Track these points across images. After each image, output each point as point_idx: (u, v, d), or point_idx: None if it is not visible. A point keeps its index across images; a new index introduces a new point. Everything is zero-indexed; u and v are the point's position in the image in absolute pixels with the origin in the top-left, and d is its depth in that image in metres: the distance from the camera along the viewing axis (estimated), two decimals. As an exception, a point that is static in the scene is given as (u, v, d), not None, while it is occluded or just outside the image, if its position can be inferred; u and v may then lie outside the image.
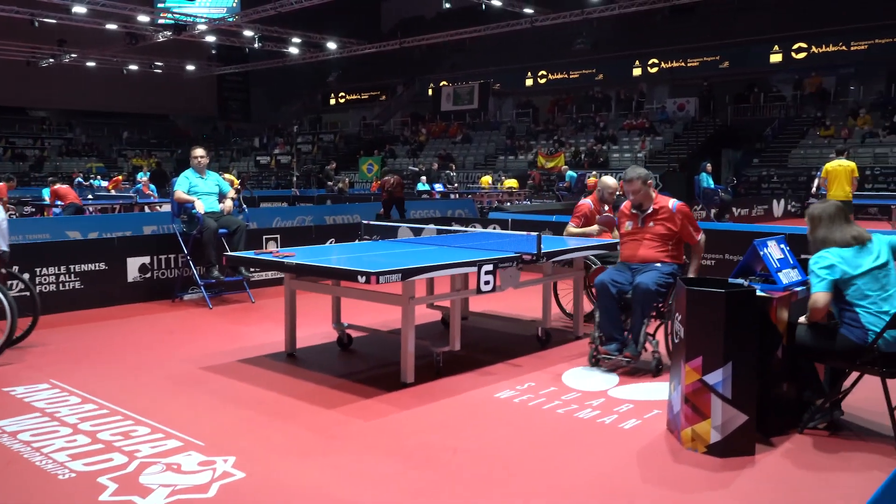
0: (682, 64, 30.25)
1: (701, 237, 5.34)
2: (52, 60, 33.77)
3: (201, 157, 7.87)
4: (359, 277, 4.47)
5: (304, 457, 3.70)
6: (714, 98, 28.63)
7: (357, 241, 6.90)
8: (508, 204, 19.92)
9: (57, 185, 14.47)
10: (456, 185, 24.10)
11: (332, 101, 42.21)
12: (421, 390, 4.75)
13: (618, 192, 6.53)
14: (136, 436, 3.94)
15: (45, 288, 7.15)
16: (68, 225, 11.02)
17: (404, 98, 39.47)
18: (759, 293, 3.81)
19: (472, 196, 20.10)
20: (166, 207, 15.11)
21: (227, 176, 22.44)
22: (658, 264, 5.21)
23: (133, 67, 36.13)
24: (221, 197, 7.94)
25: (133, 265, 7.75)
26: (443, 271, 4.85)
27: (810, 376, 3.98)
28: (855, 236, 3.83)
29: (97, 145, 40.97)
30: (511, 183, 23.14)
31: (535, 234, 5.41)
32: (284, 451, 3.77)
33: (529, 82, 34.51)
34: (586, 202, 6.75)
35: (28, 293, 5.89)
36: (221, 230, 7.73)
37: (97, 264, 7.52)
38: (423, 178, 22.86)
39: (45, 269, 7.17)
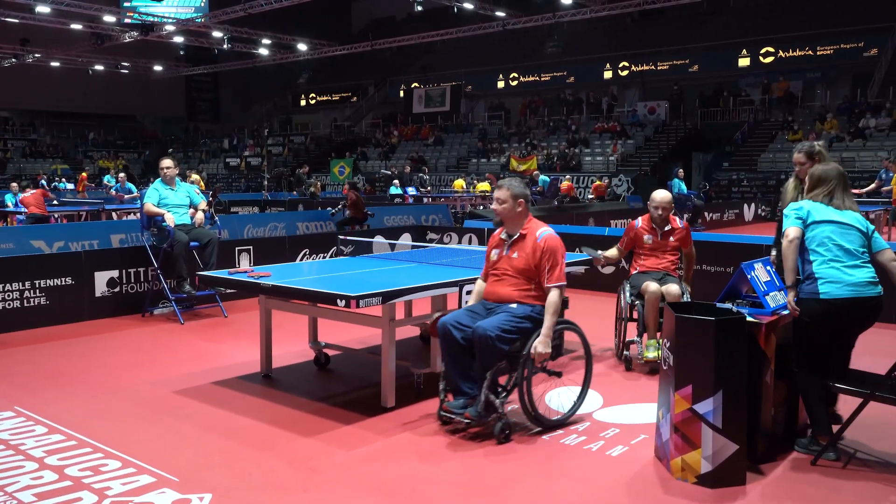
0: (653, 67, 30.48)
1: (554, 289, 4.23)
2: (14, 60, 33.02)
3: (168, 168, 7.66)
4: (338, 301, 4.34)
5: (284, 493, 3.56)
6: (684, 101, 28.91)
7: (332, 258, 6.76)
8: (482, 208, 19.88)
9: (27, 193, 14.00)
10: (429, 188, 24.02)
11: (303, 103, 41.84)
12: (402, 414, 4.63)
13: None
14: (107, 470, 3.77)
15: (9, 305, 6.91)
16: (33, 234, 10.70)
17: (375, 99, 39.26)
18: (748, 319, 3.76)
19: (446, 200, 20.02)
20: (132, 216, 14.83)
21: (193, 177, 22.14)
22: (513, 305, 4.29)
23: (99, 68, 35.50)
24: (193, 208, 7.75)
25: (101, 279, 7.52)
26: (425, 293, 4.74)
27: (816, 406, 3.93)
28: (845, 205, 4.01)
29: (62, 146, 40.16)
30: (484, 186, 23.08)
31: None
32: (263, 486, 3.62)
33: (501, 84, 34.52)
34: (635, 221, 5.96)
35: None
36: (193, 243, 7.54)
37: (63, 279, 7.28)
38: (396, 181, 22.74)
39: (8, 284, 6.92)
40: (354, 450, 4.08)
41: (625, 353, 5.66)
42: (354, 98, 39.87)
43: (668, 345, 3.76)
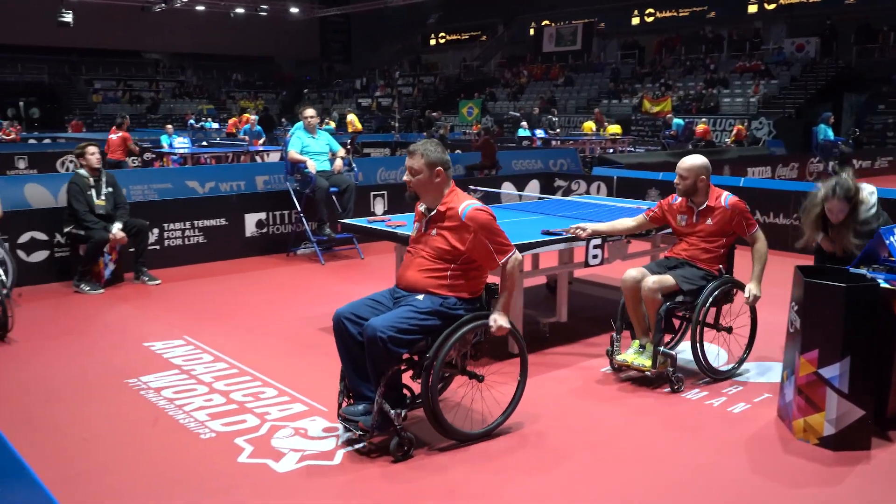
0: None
1: (508, 259, 3.64)
2: (164, 5, 34.95)
3: (311, 116, 8.12)
4: (470, 252, 4.59)
5: (417, 428, 3.91)
6: (837, 38, 26.78)
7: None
8: (612, 151, 19.54)
9: (114, 135, 13.80)
10: (558, 130, 23.75)
11: (432, 42, 41.99)
12: (528, 361, 4.87)
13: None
14: (265, 397, 4.26)
15: (172, 242, 7.66)
16: (188, 175, 11.61)
17: (504, 38, 38.81)
18: (882, 285, 3.70)
19: (574, 144, 19.80)
20: (273, 157, 15.70)
21: (350, 118, 23.04)
22: (419, 297, 3.61)
23: (239, 11, 36.98)
24: (332, 155, 8.21)
25: (251, 220, 8.18)
26: (553, 246, 4.92)
27: None
28: None
29: (207, 87, 42.45)
30: (615, 129, 22.59)
31: (645, 207, 5.37)
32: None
33: (636, 21, 33.20)
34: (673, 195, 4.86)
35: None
36: (332, 188, 8.01)
37: (218, 220, 7.97)
38: (524, 123, 22.65)
39: (171, 223, 7.67)
40: (485, 391, 4.38)
41: (608, 348, 4.66)
42: (483, 37, 39.59)
43: (795, 308, 3.77)
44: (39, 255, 6.93)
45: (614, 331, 4.65)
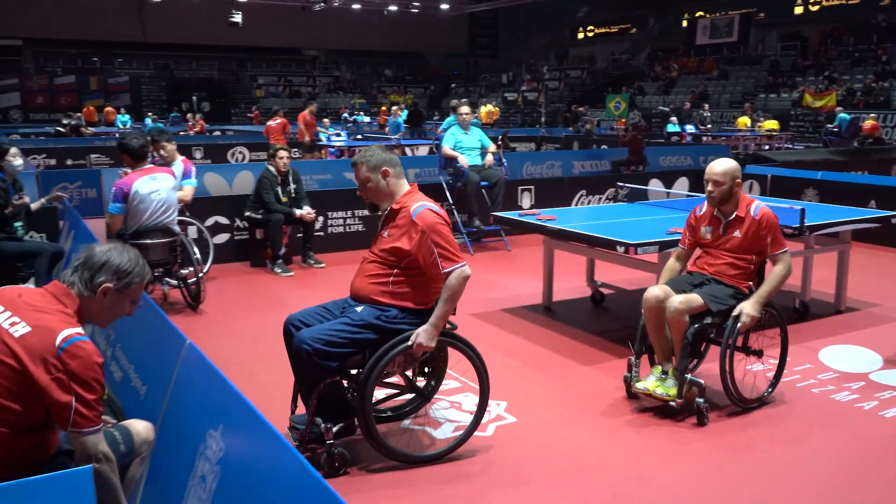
0: None
1: (454, 270, 3.38)
2: (323, 4, 36.81)
3: (466, 113, 8.50)
4: (618, 247, 4.79)
5: (565, 411, 4.17)
6: None
7: (609, 200, 7.15)
8: (767, 148, 18.77)
9: (274, 122, 15.09)
10: (709, 126, 23.03)
11: (580, 36, 41.63)
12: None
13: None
14: (458, 371, 4.66)
15: (336, 230, 8.31)
16: (345, 167, 12.38)
17: (655, 31, 37.86)
18: None
19: (727, 140, 19.17)
20: (422, 150, 16.34)
21: (488, 108, 23.58)
22: (358, 308, 3.43)
23: (392, 8, 38.30)
24: (483, 151, 8.56)
25: (405, 212, 8.68)
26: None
27: None
28: None
29: (360, 82, 44.30)
30: (771, 124, 21.62)
31: (798, 207, 5.33)
32: (547, 403, 4.27)
33: (799, 10, 31.42)
34: (698, 206, 4.40)
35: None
36: (483, 182, 8.37)
37: (376, 210, 8.52)
38: (674, 118, 22.14)
39: (334, 212, 8.30)
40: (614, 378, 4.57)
41: (625, 374, 4.22)
42: (634, 30, 38.81)
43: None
44: (222, 238, 7.75)
45: (632, 354, 4.20)
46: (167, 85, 38.86)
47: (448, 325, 3.57)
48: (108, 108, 27.32)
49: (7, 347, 2.19)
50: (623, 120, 23.66)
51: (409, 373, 3.63)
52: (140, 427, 2.53)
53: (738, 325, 3.93)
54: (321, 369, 3.25)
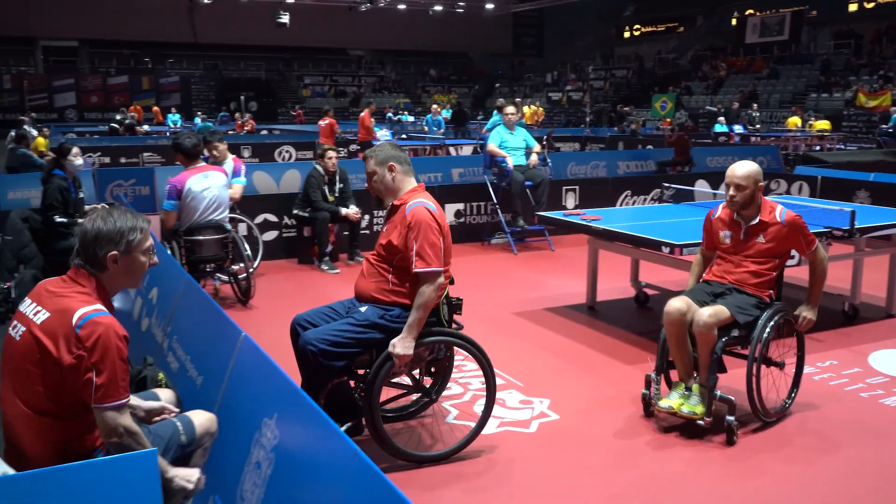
0: None
1: (422, 276, 3.34)
2: (369, 5, 37.13)
3: (512, 113, 8.54)
4: (663, 248, 4.80)
5: (608, 410, 4.19)
6: None
7: (654, 201, 7.12)
8: (818, 149, 18.39)
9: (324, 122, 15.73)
10: (758, 126, 22.65)
11: (626, 35, 41.26)
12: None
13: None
14: (466, 370, 4.73)
15: (379, 228, 8.40)
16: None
17: (703, 29, 37.33)
18: None
19: (776, 140, 18.83)
20: (466, 150, 16.39)
21: (532, 108, 23.62)
22: (363, 308, 3.45)
23: (437, 8, 38.45)
24: (528, 151, 8.59)
25: (450, 210, 8.76)
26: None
27: None
28: None
29: (404, 82, 44.56)
30: (822, 125, 21.18)
31: (848, 209, 5.26)
32: (590, 401, 4.30)
33: (853, 7, 30.70)
34: (713, 209, 4.23)
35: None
36: (527, 182, 8.40)
37: (421, 209, 8.62)
38: (721, 118, 21.82)
39: (380, 211, 8.41)
40: (671, 381, 4.58)
41: (643, 391, 4.03)
42: (681, 28, 38.31)
43: None
44: (270, 235, 7.93)
45: (653, 370, 3.98)
46: (216, 85, 39.63)
47: (455, 325, 3.62)
48: (155, 108, 27.86)
49: (32, 336, 2.26)
50: (668, 119, 23.39)
51: (415, 372, 3.66)
52: (203, 418, 2.62)
53: (804, 324, 3.93)
54: (327, 369, 3.27)
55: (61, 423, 2.31)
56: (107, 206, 2.46)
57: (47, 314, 2.27)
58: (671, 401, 3.82)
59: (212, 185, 5.77)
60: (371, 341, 3.35)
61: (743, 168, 3.88)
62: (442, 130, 19.52)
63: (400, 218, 3.42)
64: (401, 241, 3.37)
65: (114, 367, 2.23)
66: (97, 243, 2.36)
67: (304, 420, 2.37)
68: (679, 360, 3.90)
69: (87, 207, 6.33)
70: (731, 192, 3.88)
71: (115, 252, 2.36)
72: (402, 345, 3.29)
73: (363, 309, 3.42)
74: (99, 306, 2.29)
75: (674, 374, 4.02)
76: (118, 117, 21.62)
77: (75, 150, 6.04)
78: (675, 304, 3.80)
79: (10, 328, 2.37)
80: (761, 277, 3.90)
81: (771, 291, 3.95)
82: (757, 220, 3.90)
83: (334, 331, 3.30)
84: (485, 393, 3.69)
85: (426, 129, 20.30)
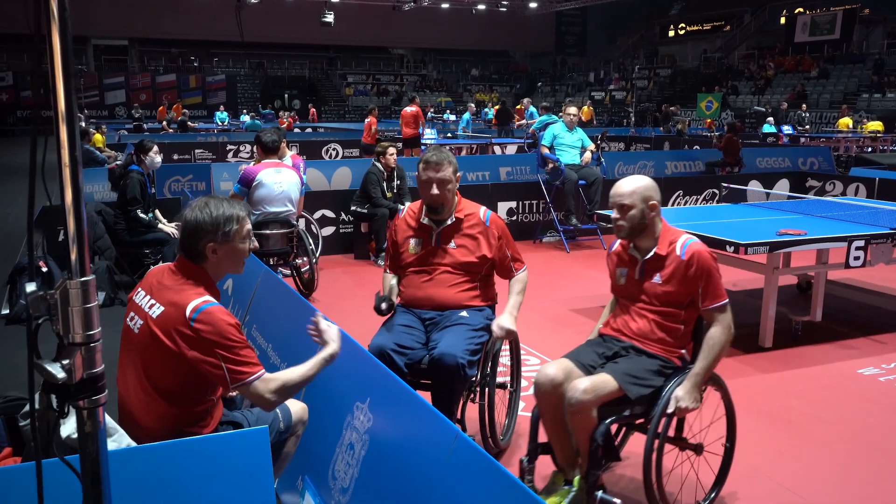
0: None
1: (522, 272, 3.55)
2: (413, 4, 37.35)
3: (573, 114, 8.60)
4: (727, 247, 4.82)
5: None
6: None
7: (706, 201, 7.11)
8: (871, 150, 18.05)
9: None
10: (807, 126, 22.30)
11: (671, 33, 40.85)
12: (778, 356, 4.99)
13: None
14: (529, 365, 4.82)
15: (434, 225, 8.54)
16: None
17: (751, 28, 36.80)
18: None
19: (826, 141, 18.53)
20: (510, 149, 16.42)
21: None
22: (463, 313, 3.35)
23: (481, 7, 38.51)
24: (582, 150, 8.64)
25: (503, 208, 8.85)
26: (811, 245, 4.98)
27: None
28: None
29: (446, 81, 44.72)
30: (875, 126, 20.76)
31: (916, 210, 5.21)
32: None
33: (908, 6, 29.96)
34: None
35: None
36: (580, 181, 8.45)
37: (473, 206, 8.72)
38: (770, 119, 21.53)
39: (433, 208, 8.53)
40: (734, 378, 4.59)
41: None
42: (728, 27, 37.82)
43: None
44: (328, 230, 8.10)
45: (527, 453, 2.99)
46: (261, 83, 40.23)
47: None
48: (176, 106, 27.44)
49: (150, 331, 2.36)
50: (709, 120, 23.11)
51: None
52: (297, 407, 2.74)
53: (678, 407, 2.79)
54: (467, 380, 3.16)
55: (180, 409, 2.42)
56: (203, 199, 2.57)
57: (161, 308, 2.37)
58: (547, 498, 2.86)
59: (282, 181, 5.93)
60: (484, 344, 3.35)
61: (629, 184, 3.01)
62: (469, 131, 19.55)
63: (481, 230, 3.45)
64: (493, 252, 3.45)
65: (235, 347, 2.34)
66: (196, 235, 2.44)
67: (402, 404, 2.48)
68: (557, 444, 2.93)
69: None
70: (615, 214, 3.03)
71: (213, 242, 2.44)
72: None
73: (465, 314, 3.36)
74: (207, 297, 2.39)
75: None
76: (136, 115, 22.73)
77: (155, 147, 6.26)
78: (548, 373, 2.89)
79: (128, 319, 2.50)
80: (667, 332, 2.96)
81: (683, 351, 3.01)
82: (652, 254, 3.00)
83: (466, 341, 3.18)
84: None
85: (465, 129, 20.36)
